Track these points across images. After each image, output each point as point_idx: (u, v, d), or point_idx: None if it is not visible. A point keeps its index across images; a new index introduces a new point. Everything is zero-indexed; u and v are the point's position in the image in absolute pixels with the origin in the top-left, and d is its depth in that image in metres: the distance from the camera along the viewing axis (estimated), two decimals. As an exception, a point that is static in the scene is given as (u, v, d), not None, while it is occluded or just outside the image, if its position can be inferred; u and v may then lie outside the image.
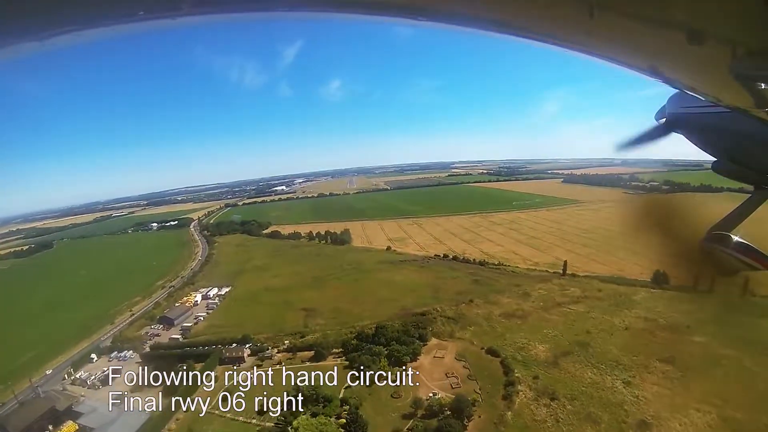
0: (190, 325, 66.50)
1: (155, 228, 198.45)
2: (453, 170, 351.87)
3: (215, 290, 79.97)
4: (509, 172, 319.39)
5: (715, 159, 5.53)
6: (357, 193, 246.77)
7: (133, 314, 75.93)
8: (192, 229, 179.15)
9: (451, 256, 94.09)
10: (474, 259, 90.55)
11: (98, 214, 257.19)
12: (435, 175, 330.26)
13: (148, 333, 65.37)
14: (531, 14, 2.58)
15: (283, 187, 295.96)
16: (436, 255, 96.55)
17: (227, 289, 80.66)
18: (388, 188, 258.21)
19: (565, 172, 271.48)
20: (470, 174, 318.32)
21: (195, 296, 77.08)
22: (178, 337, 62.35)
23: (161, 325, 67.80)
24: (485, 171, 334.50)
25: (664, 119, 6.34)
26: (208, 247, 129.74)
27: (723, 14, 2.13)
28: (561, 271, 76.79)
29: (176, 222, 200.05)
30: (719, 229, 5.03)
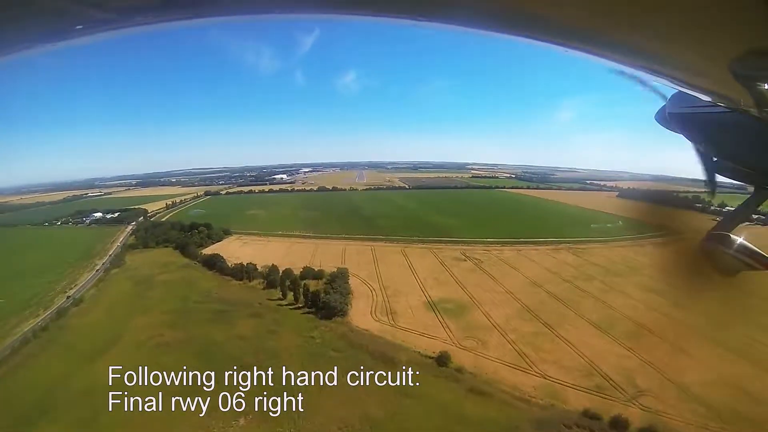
0: None
1: (91, 220, 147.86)
2: (473, 171, 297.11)
3: None
4: (540, 178, 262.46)
5: (715, 159, 5.32)
6: (366, 189, 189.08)
7: None
8: (128, 229, 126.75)
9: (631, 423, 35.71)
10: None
11: (73, 192, 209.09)
12: (454, 175, 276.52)
13: None
14: (535, 14, 2.50)
15: (284, 176, 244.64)
16: (588, 415, 37.98)
17: None
18: (407, 187, 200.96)
19: (609, 183, 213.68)
20: (496, 177, 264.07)
21: None
22: None
23: None
24: (510, 175, 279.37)
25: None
26: (103, 273, 74.77)
27: (723, 14, 2.11)
28: None
29: (117, 215, 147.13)
30: (719, 229, 4.90)
